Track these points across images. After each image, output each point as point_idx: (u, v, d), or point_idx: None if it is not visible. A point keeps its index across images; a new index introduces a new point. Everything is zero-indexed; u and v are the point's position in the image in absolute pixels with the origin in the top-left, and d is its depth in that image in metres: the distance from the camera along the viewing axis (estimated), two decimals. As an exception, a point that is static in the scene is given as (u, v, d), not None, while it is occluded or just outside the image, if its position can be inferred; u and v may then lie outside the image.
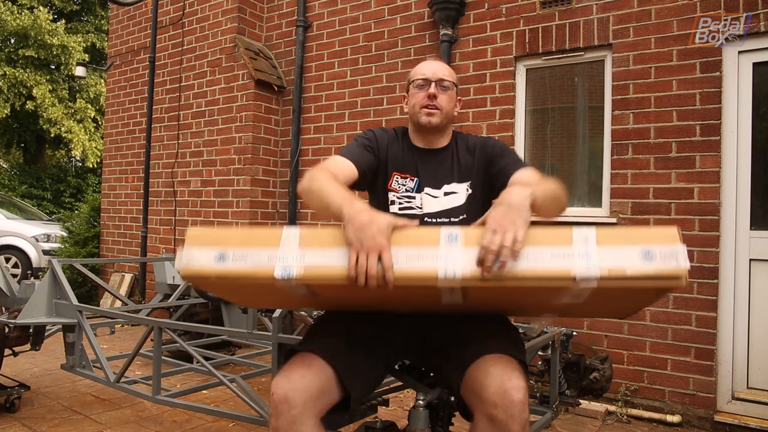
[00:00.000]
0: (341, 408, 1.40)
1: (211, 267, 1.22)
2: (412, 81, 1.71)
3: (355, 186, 1.61)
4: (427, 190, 1.67)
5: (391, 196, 1.68)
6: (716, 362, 3.04)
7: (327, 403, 1.35)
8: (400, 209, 1.66)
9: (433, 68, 1.69)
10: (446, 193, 1.67)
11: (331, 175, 1.45)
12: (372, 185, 1.73)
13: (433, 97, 1.65)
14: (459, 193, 1.66)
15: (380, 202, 1.70)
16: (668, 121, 3.23)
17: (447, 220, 1.63)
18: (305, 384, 1.29)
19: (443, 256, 1.14)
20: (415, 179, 1.69)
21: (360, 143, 1.69)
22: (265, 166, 4.90)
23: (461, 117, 3.92)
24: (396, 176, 1.70)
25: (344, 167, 1.57)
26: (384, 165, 1.71)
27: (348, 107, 4.59)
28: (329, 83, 4.71)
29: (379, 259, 1.14)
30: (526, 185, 1.35)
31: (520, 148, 3.79)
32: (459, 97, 1.78)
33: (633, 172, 3.33)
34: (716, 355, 3.04)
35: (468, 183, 1.68)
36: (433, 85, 1.66)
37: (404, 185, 1.69)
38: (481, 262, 1.13)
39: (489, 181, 1.68)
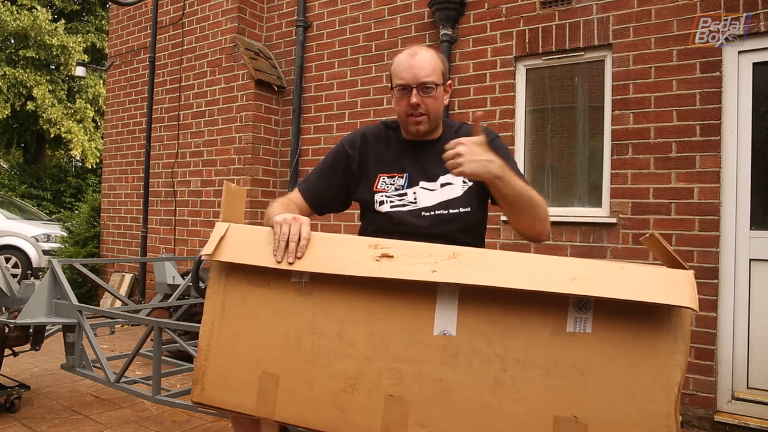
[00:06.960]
0: None
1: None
2: (394, 84, 1.59)
3: (321, 209, 1.73)
4: (422, 183, 1.62)
5: (379, 197, 1.63)
6: (716, 362, 3.04)
7: None
8: (392, 207, 1.61)
9: (412, 70, 1.55)
10: (443, 185, 1.61)
11: (283, 202, 1.62)
12: (354, 194, 1.71)
13: (416, 105, 1.55)
14: (455, 184, 1.60)
15: (368, 206, 1.66)
16: (668, 121, 3.23)
17: (445, 212, 1.59)
18: None
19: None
20: (405, 175, 1.63)
21: (322, 167, 1.72)
22: (265, 166, 4.90)
23: (461, 117, 3.92)
24: (382, 177, 1.65)
25: (297, 198, 1.70)
26: (366, 170, 1.67)
27: (348, 107, 4.59)
28: (329, 83, 4.71)
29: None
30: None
31: (520, 148, 3.79)
32: (449, 83, 1.65)
33: (633, 172, 3.33)
34: (716, 355, 3.04)
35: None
36: (414, 92, 1.54)
37: (392, 184, 1.63)
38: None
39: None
